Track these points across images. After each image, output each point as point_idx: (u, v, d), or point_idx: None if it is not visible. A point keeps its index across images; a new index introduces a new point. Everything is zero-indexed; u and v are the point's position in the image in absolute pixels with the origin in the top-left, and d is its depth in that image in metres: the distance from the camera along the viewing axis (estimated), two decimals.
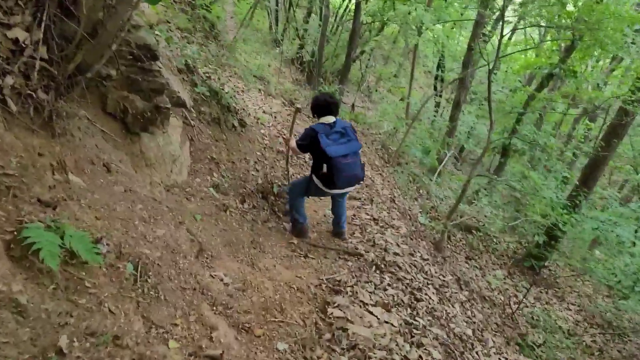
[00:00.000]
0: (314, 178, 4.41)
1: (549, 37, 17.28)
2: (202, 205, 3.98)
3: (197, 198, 4.01)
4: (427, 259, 5.36)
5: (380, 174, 8.42)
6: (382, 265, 4.42)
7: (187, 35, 7.79)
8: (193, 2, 8.56)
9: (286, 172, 5.26)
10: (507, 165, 11.71)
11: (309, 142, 4.23)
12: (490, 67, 6.44)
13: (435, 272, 5.15)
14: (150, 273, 2.52)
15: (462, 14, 16.39)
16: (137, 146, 3.60)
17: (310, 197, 4.72)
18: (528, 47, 12.81)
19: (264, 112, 7.40)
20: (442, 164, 9.19)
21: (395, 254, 4.86)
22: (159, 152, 3.92)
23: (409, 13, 12.15)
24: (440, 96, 16.95)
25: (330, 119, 4.32)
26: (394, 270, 4.40)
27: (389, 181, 8.41)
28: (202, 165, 4.58)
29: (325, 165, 4.18)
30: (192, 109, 5.00)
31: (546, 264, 9.18)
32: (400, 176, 8.53)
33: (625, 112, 7.84)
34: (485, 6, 10.95)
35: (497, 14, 14.97)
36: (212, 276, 3.05)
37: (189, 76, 5.34)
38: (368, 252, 4.66)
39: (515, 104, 12.19)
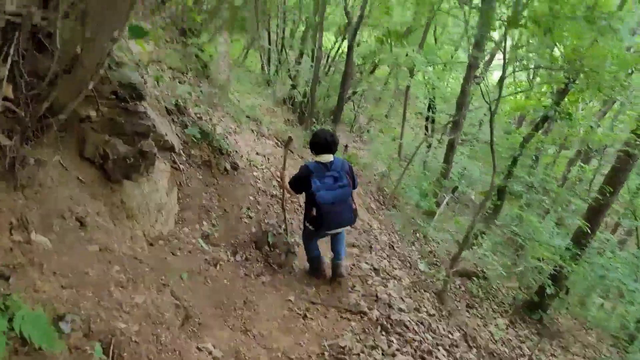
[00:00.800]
0: (306, 223, 4.32)
1: (538, 79, 17.39)
2: (190, 261, 3.54)
3: (184, 252, 3.57)
4: (434, 315, 4.91)
5: (376, 218, 8.03)
6: (388, 326, 3.97)
7: (179, 75, 7.48)
8: (184, 41, 8.31)
9: (283, 217, 4.85)
10: (502, 208, 11.38)
11: (302, 183, 4.13)
12: (492, 108, 6.17)
13: (444, 330, 4.70)
14: (124, 354, 2.07)
15: (452, 56, 16.45)
16: (117, 195, 3.18)
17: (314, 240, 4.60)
18: (523, 89, 12.71)
19: (256, 153, 7.03)
20: (441, 207, 8.83)
21: (401, 310, 4.41)
22: (142, 201, 3.50)
23: (406, 54, 12.07)
24: (432, 137, 16.82)
25: (328, 157, 4.17)
26: (401, 331, 3.95)
27: (385, 225, 8.02)
28: (191, 213, 4.16)
29: (314, 209, 4.08)
30: (181, 152, 4.62)
31: (547, 312, 8.76)
32: (398, 220, 8.13)
33: (628, 155, 7.57)
34: (479, 48, 10.87)
35: (487, 57, 15.03)
36: (199, 349, 2.59)
37: (179, 117, 4.98)
38: (371, 309, 4.22)
39: (509, 146, 12.01)
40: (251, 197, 5.46)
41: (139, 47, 6.60)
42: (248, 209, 4.99)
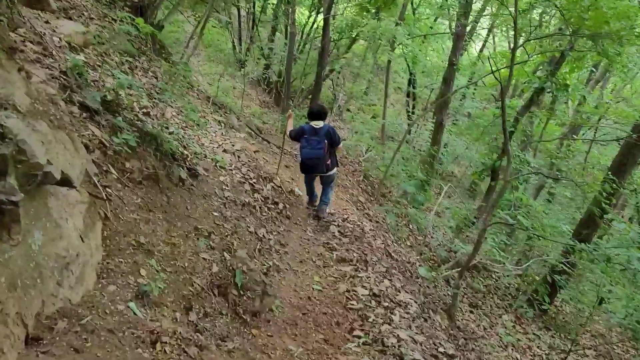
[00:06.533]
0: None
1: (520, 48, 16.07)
2: (110, 349, 2.19)
3: (99, 338, 2.21)
4: (453, 355, 3.67)
5: (366, 214, 6.74)
6: None
7: (129, 60, 5.97)
8: (134, 19, 6.72)
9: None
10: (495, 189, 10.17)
11: (297, 136, 5.45)
12: (504, 84, 4.86)
13: None
14: None
15: (431, 27, 14.96)
16: None
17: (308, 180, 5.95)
18: (520, 61, 11.38)
19: (224, 151, 5.63)
20: (440, 199, 7.55)
21: None
22: (28, 264, 2.12)
23: (379, 28, 10.62)
24: (413, 113, 15.48)
25: (319, 123, 5.39)
26: None
27: (378, 222, 6.74)
28: (121, 259, 2.79)
29: (299, 158, 5.51)
30: (111, 168, 3.21)
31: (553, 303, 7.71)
32: (390, 216, 6.85)
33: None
34: (466, 15, 9.48)
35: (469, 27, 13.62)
36: None
37: (111, 118, 3.54)
38: None
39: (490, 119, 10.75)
40: (215, 214, 4.09)
41: (71, 27, 5.09)
42: (209, 235, 3.62)
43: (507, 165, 4.97)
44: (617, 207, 10.30)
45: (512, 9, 5.10)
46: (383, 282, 4.37)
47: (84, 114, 3.31)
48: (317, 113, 5.44)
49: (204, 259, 3.29)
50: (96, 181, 2.88)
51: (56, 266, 2.36)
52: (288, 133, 5.64)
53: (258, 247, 4.22)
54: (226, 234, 3.93)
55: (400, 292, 4.29)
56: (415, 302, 4.26)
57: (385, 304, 3.94)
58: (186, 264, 3.12)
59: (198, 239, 3.47)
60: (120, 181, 3.22)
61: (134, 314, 2.52)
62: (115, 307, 2.48)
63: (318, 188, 5.99)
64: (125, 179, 3.29)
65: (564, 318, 7.94)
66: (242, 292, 3.23)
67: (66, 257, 2.43)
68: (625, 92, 13.63)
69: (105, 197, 2.90)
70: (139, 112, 4.41)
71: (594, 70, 11.90)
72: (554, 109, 11.29)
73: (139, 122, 4.00)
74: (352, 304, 3.85)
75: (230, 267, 3.32)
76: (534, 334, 7.03)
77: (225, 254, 3.51)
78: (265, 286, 3.33)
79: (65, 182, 2.15)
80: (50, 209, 2.38)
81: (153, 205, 3.37)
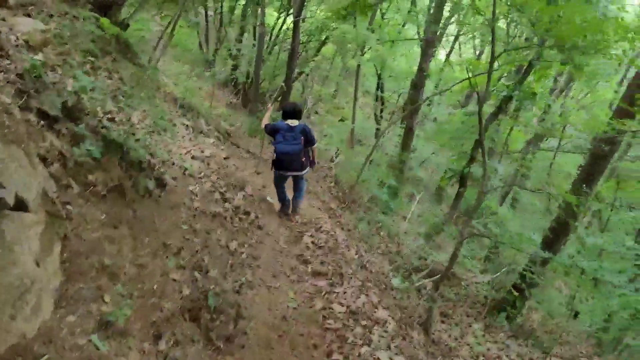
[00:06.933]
0: (272, 168, 5.47)
1: (484, 57, 16.28)
2: None
3: None
4: None
5: (339, 222, 6.59)
6: None
7: (91, 60, 5.60)
8: (97, 18, 6.35)
9: None
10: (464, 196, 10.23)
11: (272, 131, 5.31)
12: (481, 96, 4.80)
13: None
14: None
15: (399, 33, 14.98)
16: None
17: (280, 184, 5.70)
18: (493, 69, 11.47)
19: (193, 157, 5.37)
20: (413, 206, 7.48)
21: None
22: None
23: (351, 32, 10.52)
24: (382, 117, 15.45)
25: (294, 122, 5.29)
26: None
27: (349, 230, 6.60)
28: (82, 284, 2.53)
29: (275, 154, 5.29)
30: (72, 182, 2.93)
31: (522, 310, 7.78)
32: (362, 225, 6.73)
33: (608, 141, 6.42)
34: (436, 21, 9.47)
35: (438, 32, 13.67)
36: None
37: (72, 126, 3.25)
38: None
39: (460, 127, 10.82)
40: (184, 227, 3.84)
41: (29, 25, 4.75)
42: (178, 252, 3.38)
43: (483, 177, 4.92)
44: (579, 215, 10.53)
45: (489, 17, 5.04)
46: (360, 297, 4.22)
47: (42, 122, 3.01)
48: (292, 111, 5.35)
49: (173, 280, 3.05)
50: (55, 198, 2.61)
51: (9, 298, 2.09)
52: (263, 126, 5.53)
53: (230, 261, 3.99)
54: (196, 249, 3.70)
55: (377, 308, 4.15)
56: (393, 318, 4.13)
57: (364, 322, 3.80)
58: (155, 287, 2.87)
59: (167, 257, 3.23)
60: (82, 196, 2.95)
61: (97, 348, 2.27)
62: (76, 341, 2.23)
63: (289, 193, 5.84)
64: (87, 193, 3.01)
65: (531, 325, 8.02)
66: (215, 316, 3.01)
67: (20, 287, 2.17)
68: (585, 100, 14.04)
69: (64, 216, 2.63)
70: (102, 117, 4.11)
71: (558, 79, 12.19)
72: (519, 116, 11.47)
73: (103, 129, 3.71)
74: (329, 323, 3.68)
75: (202, 289, 3.09)
76: (503, 342, 7.06)
77: (196, 273, 3.28)
78: (239, 308, 3.12)
79: (21, 206, 1.90)
80: (3, 232, 2.11)
81: (118, 221, 3.11)
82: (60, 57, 4.60)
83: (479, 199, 4.93)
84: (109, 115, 4.28)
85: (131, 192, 3.58)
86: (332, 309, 3.93)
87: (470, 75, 5.46)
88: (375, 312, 4.06)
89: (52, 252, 2.50)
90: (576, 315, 6.51)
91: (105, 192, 3.21)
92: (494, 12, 4.61)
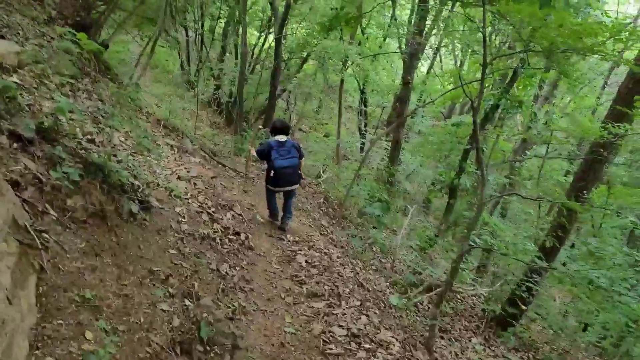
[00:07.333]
0: (266, 185, 5.54)
1: (466, 64, 16.31)
2: None
3: None
4: None
5: (331, 239, 6.37)
6: None
7: (71, 81, 5.36)
8: (78, 38, 6.12)
9: None
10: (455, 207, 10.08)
11: (265, 154, 5.34)
12: (475, 104, 4.68)
13: None
14: None
15: (380, 47, 14.98)
16: None
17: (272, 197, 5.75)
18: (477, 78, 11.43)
19: (179, 178, 5.13)
20: (406, 221, 7.29)
21: None
22: None
23: (333, 47, 10.45)
24: (366, 131, 15.36)
25: (282, 137, 5.40)
26: None
27: (342, 247, 6.39)
28: (61, 321, 2.27)
29: (272, 172, 5.31)
30: (48, 208, 2.69)
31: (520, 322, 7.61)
32: (356, 242, 6.52)
33: (602, 146, 6.33)
34: (420, 34, 9.43)
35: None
36: None
37: (49, 148, 3.01)
38: None
39: (445, 138, 10.74)
40: (172, 252, 3.60)
41: (3, 46, 4.50)
42: (166, 279, 3.13)
43: (482, 188, 4.77)
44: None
45: (481, 26, 4.96)
46: (360, 318, 4.00)
47: (15, 145, 2.78)
48: (281, 127, 5.49)
49: (162, 310, 2.80)
50: (28, 226, 2.36)
51: None
52: (256, 156, 5.57)
53: (221, 286, 3.75)
54: (186, 274, 3.45)
55: (379, 329, 3.93)
56: (396, 339, 3.91)
57: (367, 346, 3.57)
58: (142, 319, 2.62)
59: (154, 285, 2.98)
60: (60, 222, 2.70)
61: None
62: None
63: (279, 204, 5.91)
64: (66, 220, 2.77)
65: (530, 337, 7.84)
66: (208, 348, 2.76)
67: None
68: (569, 108, 14.14)
69: (40, 245, 2.38)
70: (82, 139, 3.87)
71: (542, 86, 12.23)
72: (504, 124, 11.46)
73: (83, 151, 3.47)
74: (331, 349, 3.45)
75: (194, 319, 2.85)
76: (504, 356, 6.86)
77: (186, 301, 3.04)
78: (235, 338, 2.88)
79: None
80: None
81: (100, 249, 2.86)
82: (37, 79, 4.37)
83: (479, 209, 4.76)
84: (89, 137, 4.03)
85: (114, 217, 3.34)
86: (332, 333, 3.69)
87: (462, 83, 5.33)
88: (377, 333, 3.84)
89: (26, 286, 2.25)
90: (585, 327, 6.34)
91: (85, 217, 2.97)
92: (484, 19, 4.52)
